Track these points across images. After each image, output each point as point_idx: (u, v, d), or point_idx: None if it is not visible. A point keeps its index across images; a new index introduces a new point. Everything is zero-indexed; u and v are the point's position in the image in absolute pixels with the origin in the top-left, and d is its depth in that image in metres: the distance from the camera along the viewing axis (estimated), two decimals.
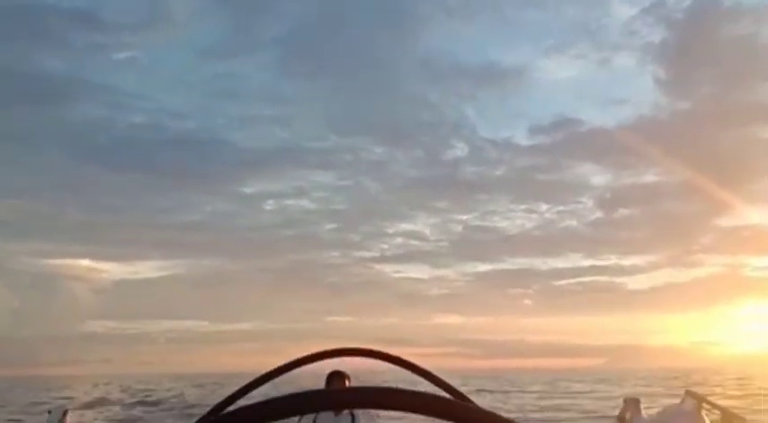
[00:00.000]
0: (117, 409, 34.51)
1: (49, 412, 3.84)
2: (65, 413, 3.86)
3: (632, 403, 5.58)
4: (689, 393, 6.57)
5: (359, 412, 6.76)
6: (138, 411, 31.58)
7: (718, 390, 40.69)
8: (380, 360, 3.18)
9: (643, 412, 5.61)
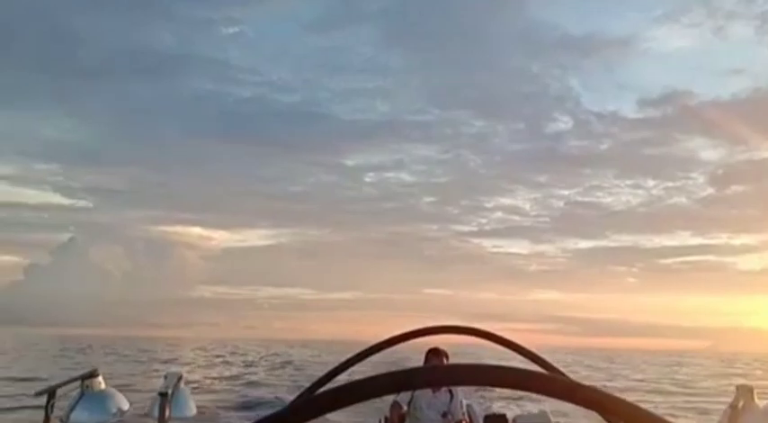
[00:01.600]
0: (232, 370, 36.15)
1: (165, 377, 4.04)
2: (179, 378, 4.06)
3: (745, 391, 5.39)
4: None
5: (458, 389, 6.85)
6: (248, 374, 32.79)
7: None
8: (483, 339, 3.22)
9: (757, 401, 5.42)
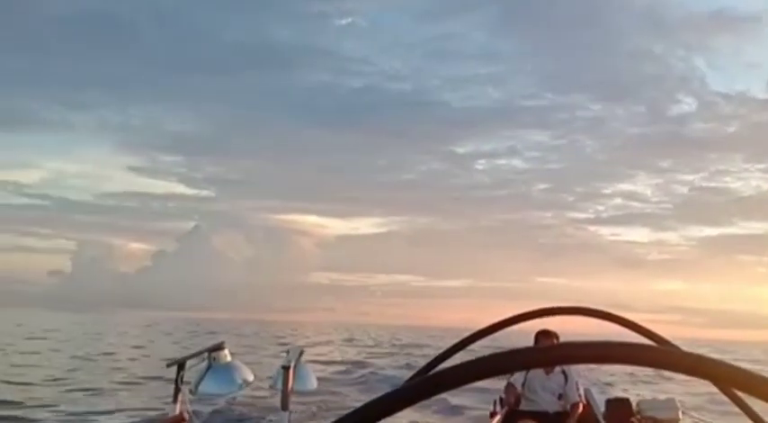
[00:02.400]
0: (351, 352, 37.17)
1: (288, 352, 4.12)
2: (301, 353, 4.13)
3: None
4: None
5: (572, 372, 6.66)
6: (369, 356, 33.64)
7: None
8: (591, 317, 3.04)
9: None
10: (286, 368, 4.03)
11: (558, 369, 6.64)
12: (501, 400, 6.80)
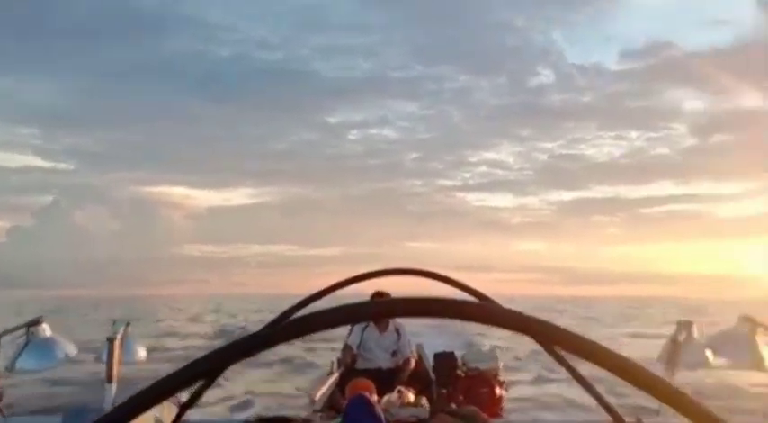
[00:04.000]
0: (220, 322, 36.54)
1: (114, 323, 4.17)
2: (127, 325, 4.19)
3: (685, 326, 5.61)
4: (744, 318, 6.50)
5: (404, 330, 7.07)
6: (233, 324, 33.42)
7: None
8: (429, 278, 3.31)
9: (695, 335, 5.63)
10: (111, 340, 4.08)
11: (391, 327, 6.97)
12: (338, 361, 7.08)
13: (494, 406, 6.26)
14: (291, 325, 0.90)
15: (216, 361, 0.87)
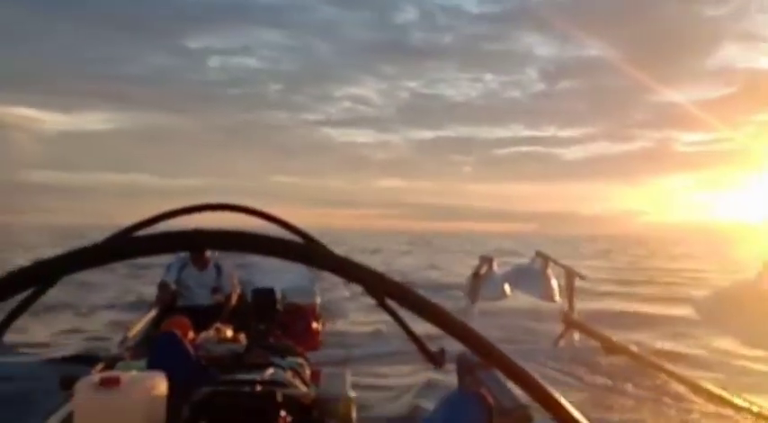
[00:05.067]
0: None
1: None
2: None
3: (486, 261, 6.04)
4: (538, 254, 7.14)
5: (225, 266, 7.06)
6: None
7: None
8: (250, 215, 3.32)
9: (495, 269, 6.07)
10: None
11: (211, 265, 6.85)
12: (157, 299, 6.94)
13: (310, 339, 6.44)
14: (114, 246, 0.92)
15: (49, 268, 0.86)
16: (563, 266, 7.19)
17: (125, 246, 0.94)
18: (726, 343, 9.47)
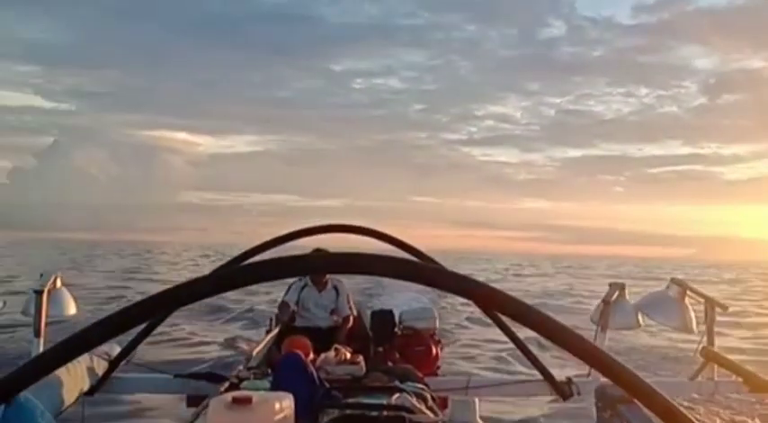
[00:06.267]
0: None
1: (41, 276, 4.01)
2: (56, 277, 4.03)
3: (617, 288, 5.73)
4: (674, 281, 6.69)
5: (343, 288, 7.09)
6: None
7: None
8: (371, 237, 3.26)
9: (627, 297, 5.76)
10: (38, 293, 3.91)
11: (330, 286, 6.97)
12: (277, 319, 7.06)
13: (429, 364, 6.29)
14: (225, 276, 0.90)
15: (146, 310, 0.84)
16: (702, 295, 6.69)
17: (237, 275, 0.91)
18: None
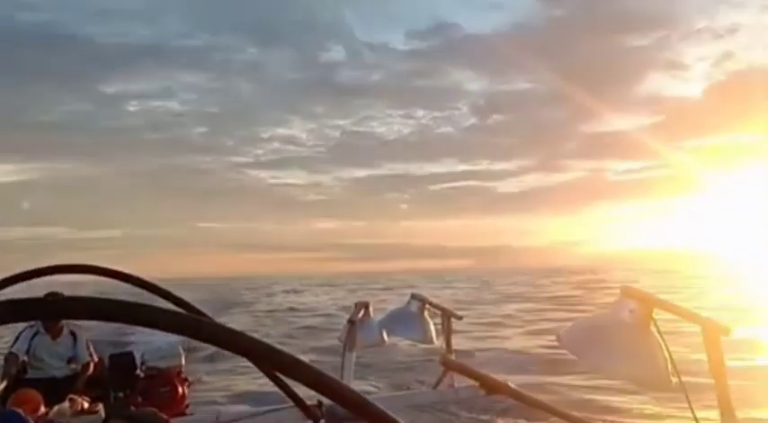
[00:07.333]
0: None
1: None
2: None
3: (362, 306, 5.89)
4: (414, 296, 7.07)
5: (81, 333, 6.60)
6: None
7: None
8: (106, 277, 3.01)
9: (372, 315, 5.95)
10: None
11: (66, 331, 6.47)
12: (3, 371, 6.38)
13: (176, 404, 6.04)
14: None
15: None
16: (439, 308, 7.15)
17: None
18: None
